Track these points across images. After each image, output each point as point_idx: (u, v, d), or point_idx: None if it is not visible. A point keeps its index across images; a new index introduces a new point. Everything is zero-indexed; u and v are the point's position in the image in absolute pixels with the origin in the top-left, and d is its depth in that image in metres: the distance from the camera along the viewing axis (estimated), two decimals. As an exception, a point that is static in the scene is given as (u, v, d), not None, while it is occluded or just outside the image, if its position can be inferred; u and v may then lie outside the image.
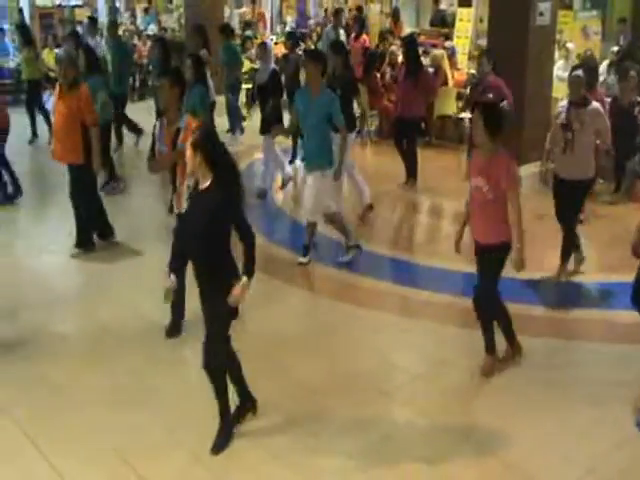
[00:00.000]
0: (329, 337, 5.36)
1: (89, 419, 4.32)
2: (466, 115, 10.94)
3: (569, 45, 11.15)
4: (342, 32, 12.21)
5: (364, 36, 12.25)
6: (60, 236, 7.24)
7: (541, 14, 9.01)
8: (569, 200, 6.03)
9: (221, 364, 3.92)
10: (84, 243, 6.82)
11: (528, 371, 4.85)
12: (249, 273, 3.78)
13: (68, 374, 4.81)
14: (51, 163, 7.20)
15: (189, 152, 3.73)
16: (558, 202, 6.12)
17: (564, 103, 6.12)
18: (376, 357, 5.08)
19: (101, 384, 4.69)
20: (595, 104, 5.99)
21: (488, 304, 4.66)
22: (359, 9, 16.14)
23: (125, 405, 4.45)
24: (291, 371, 4.84)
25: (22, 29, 11.60)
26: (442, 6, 16.28)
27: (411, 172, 8.90)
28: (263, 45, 9.60)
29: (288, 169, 8.94)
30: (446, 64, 11.48)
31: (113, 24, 11.38)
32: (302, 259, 6.60)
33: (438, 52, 11.68)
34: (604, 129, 6.03)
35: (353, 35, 12.00)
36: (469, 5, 15.02)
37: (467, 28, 13.71)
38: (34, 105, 10.88)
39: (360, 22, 12.46)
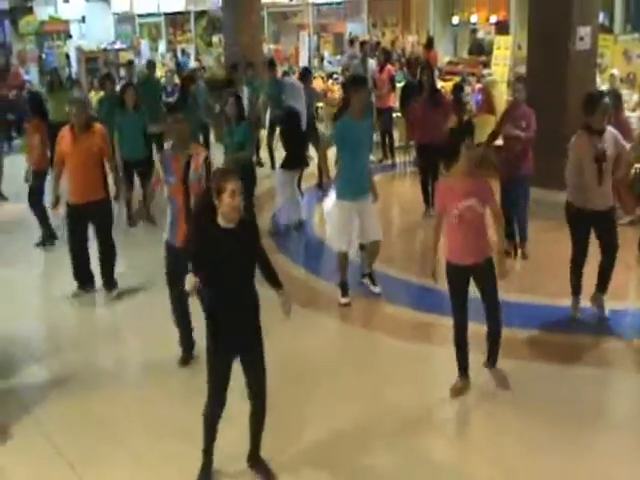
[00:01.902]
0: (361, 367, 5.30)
1: (131, 450, 4.37)
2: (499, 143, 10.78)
3: (614, 71, 10.92)
4: (373, 62, 12.23)
5: (389, 66, 12.30)
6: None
7: (581, 39, 8.83)
8: (604, 229, 5.77)
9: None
10: (114, 282, 6.82)
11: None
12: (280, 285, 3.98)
13: (110, 407, 4.90)
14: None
15: (233, 197, 3.61)
16: (586, 236, 5.82)
17: (582, 134, 5.72)
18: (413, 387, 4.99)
19: (141, 415, 4.76)
20: (609, 128, 5.75)
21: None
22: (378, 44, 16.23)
23: (165, 435, 4.49)
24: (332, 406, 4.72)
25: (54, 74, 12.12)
26: (479, 34, 16.20)
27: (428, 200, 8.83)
28: (291, 82, 9.74)
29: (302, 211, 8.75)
30: (494, 91, 11.33)
31: (150, 64, 11.78)
32: (346, 299, 6.39)
33: (488, 78, 11.55)
34: (625, 150, 5.84)
35: (377, 67, 12.04)
36: (507, 32, 14.90)
37: (505, 56, 13.57)
38: None
39: (385, 54, 12.51)
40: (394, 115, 12.01)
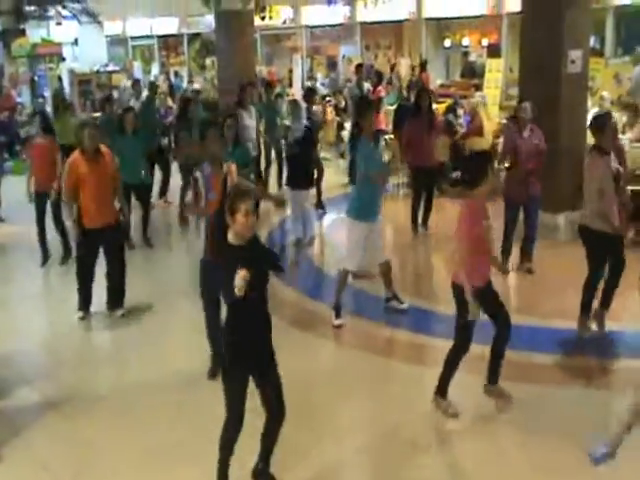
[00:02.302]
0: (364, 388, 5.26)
1: (125, 476, 4.32)
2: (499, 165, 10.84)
3: (604, 93, 11.03)
4: (368, 85, 12.33)
5: (379, 87, 12.46)
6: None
7: (572, 62, 8.91)
8: (618, 249, 5.82)
9: None
10: (121, 302, 6.81)
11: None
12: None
13: (104, 431, 4.84)
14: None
15: (247, 217, 3.65)
16: (605, 257, 5.84)
17: (596, 156, 5.75)
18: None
19: (135, 440, 4.69)
20: None
21: None
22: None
23: (159, 461, 4.43)
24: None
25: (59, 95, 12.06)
26: (471, 57, 16.39)
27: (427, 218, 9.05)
28: (294, 102, 9.74)
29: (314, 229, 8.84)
30: (483, 113, 11.41)
31: (153, 86, 11.87)
32: (339, 321, 6.36)
33: (475, 100, 11.65)
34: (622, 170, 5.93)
35: (371, 89, 12.19)
36: (498, 55, 15.08)
37: (497, 78, 13.70)
38: None
39: (378, 76, 12.67)
40: (386, 137, 12.07)
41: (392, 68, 17.60)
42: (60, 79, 20.87)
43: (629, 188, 8.10)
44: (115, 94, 19.35)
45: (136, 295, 7.06)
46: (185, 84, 20.30)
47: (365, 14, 16.55)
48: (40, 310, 7.38)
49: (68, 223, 6.98)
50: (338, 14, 17.88)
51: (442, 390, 4.87)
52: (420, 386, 5.36)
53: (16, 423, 4.91)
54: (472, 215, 4.67)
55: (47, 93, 19.91)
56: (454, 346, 4.84)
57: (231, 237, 3.74)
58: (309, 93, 11.06)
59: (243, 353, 3.83)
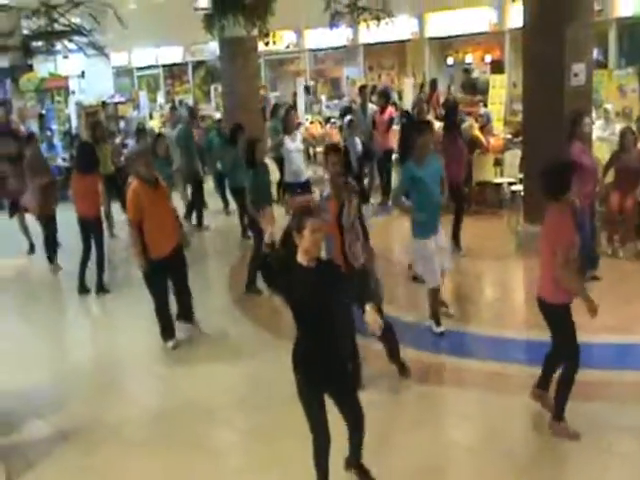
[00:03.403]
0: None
1: None
2: (504, 180, 10.84)
3: (607, 106, 11.02)
4: (372, 106, 12.33)
5: (390, 108, 12.47)
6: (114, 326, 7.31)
7: (576, 75, 8.90)
8: None
9: None
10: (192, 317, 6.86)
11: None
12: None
13: (118, 463, 4.81)
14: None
15: (314, 234, 3.76)
16: None
17: None
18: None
19: (150, 473, 4.65)
20: None
21: None
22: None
23: None
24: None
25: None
26: (475, 74, 16.42)
27: (457, 239, 8.86)
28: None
29: None
30: (477, 133, 11.36)
31: (191, 111, 12.00)
32: (440, 328, 6.48)
33: (466, 125, 11.61)
34: None
35: (378, 109, 12.18)
36: (502, 72, 15.13)
37: (501, 94, 13.73)
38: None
39: (385, 96, 12.67)
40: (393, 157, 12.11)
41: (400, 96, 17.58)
42: (68, 119, 21.16)
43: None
44: (122, 124, 19.59)
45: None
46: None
47: (368, 35, 16.62)
48: (51, 343, 7.36)
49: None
50: (341, 36, 17.99)
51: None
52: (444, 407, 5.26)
53: (29, 456, 4.89)
54: (561, 224, 4.52)
55: (55, 126, 20.13)
56: (566, 365, 4.64)
57: (300, 257, 3.81)
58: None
59: (313, 374, 3.86)
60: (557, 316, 4.56)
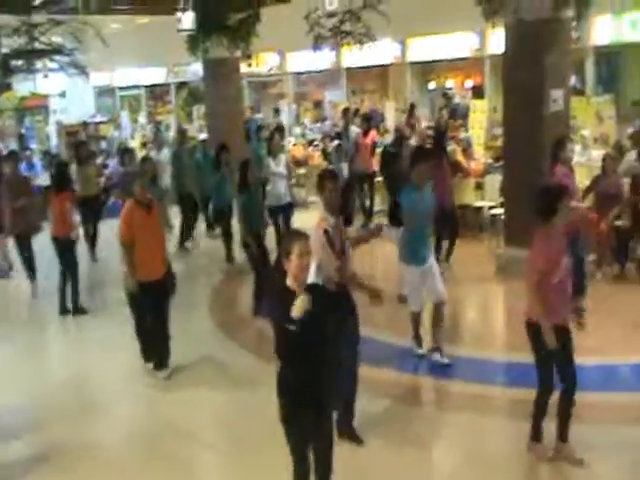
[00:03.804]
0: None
1: None
2: (485, 204, 10.95)
3: (585, 132, 11.22)
4: (355, 129, 12.42)
5: (372, 132, 12.60)
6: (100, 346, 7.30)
7: (555, 101, 9.09)
8: None
9: None
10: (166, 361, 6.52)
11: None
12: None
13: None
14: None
15: (301, 258, 3.67)
16: None
17: None
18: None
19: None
20: None
21: None
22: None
23: None
24: None
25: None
26: (456, 99, 16.61)
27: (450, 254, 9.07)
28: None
29: None
30: (460, 157, 11.47)
31: (181, 132, 12.23)
32: (421, 350, 6.51)
33: (449, 149, 11.72)
34: None
35: (361, 132, 12.30)
36: (482, 96, 15.32)
37: (481, 119, 13.90)
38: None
39: (368, 120, 12.81)
40: (375, 180, 12.21)
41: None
42: (48, 138, 21.07)
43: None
44: (103, 145, 19.53)
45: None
46: (172, 133, 20.46)
47: (350, 59, 16.79)
48: (29, 363, 7.27)
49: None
50: (324, 60, 18.14)
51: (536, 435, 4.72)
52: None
53: (6, 477, 4.83)
54: (542, 247, 4.56)
55: (34, 146, 20.00)
56: (539, 389, 4.66)
57: (289, 281, 3.72)
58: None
59: (302, 398, 3.75)
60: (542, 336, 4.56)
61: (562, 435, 4.66)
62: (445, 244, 9.17)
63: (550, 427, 4.68)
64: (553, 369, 4.58)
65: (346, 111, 13.24)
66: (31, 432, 5.54)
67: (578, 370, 4.58)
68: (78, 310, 8.39)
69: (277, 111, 19.22)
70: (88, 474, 4.88)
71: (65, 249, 8.22)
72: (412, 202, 6.34)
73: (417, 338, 6.55)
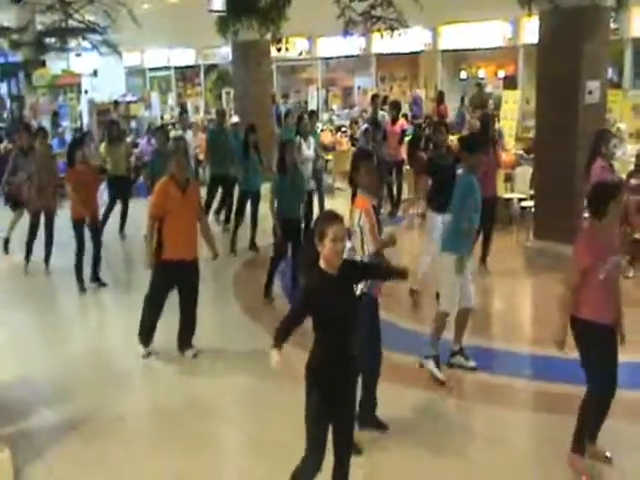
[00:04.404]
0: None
1: None
2: (514, 196, 10.83)
3: (621, 125, 11.05)
4: (384, 115, 12.34)
5: (402, 120, 12.49)
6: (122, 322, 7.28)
7: (590, 92, 8.96)
8: None
9: None
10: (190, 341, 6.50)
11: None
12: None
13: (124, 454, 4.83)
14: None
15: (335, 242, 3.56)
16: None
17: None
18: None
19: (156, 464, 4.67)
20: None
21: None
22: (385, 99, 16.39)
23: None
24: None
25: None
26: (487, 89, 16.44)
27: (485, 257, 8.60)
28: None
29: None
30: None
31: (220, 112, 12.05)
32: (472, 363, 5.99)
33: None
34: None
35: (389, 120, 12.21)
36: (515, 87, 15.16)
37: (513, 110, 13.76)
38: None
39: (397, 108, 12.67)
40: (404, 167, 12.17)
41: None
42: (80, 115, 21.27)
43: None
44: (133, 124, 19.66)
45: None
46: (202, 115, 20.54)
47: (381, 45, 16.69)
48: (55, 336, 7.36)
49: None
50: (354, 46, 18.05)
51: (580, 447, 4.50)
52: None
53: (36, 444, 4.92)
54: (590, 244, 4.39)
55: (66, 123, 20.20)
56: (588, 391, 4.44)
57: (322, 263, 3.63)
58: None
59: (330, 387, 3.62)
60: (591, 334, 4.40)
61: (591, 435, 4.53)
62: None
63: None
64: (606, 371, 4.36)
65: (375, 97, 13.17)
66: (59, 401, 5.62)
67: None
68: (97, 280, 8.47)
69: (297, 92, 19.10)
70: (112, 445, 4.93)
71: (75, 226, 8.25)
72: (471, 185, 5.84)
73: (433, 337, 6.01)
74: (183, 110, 18.70)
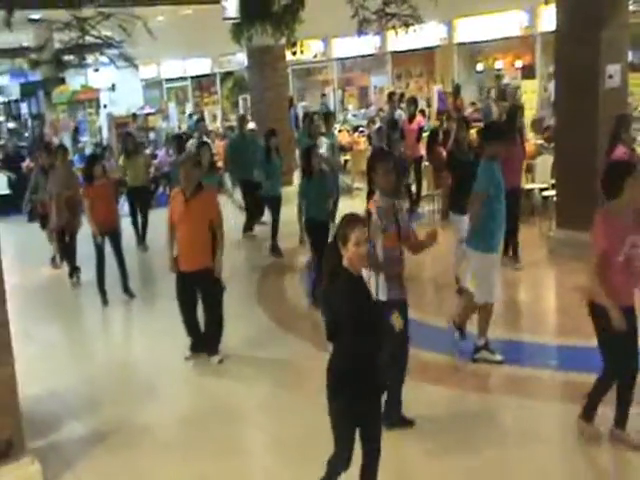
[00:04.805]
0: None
1: None
2: (536, 186, 10.70)
3: (642, 108, 10.85)
4: (401, 113, 12.25)
5: (418, 117, 12.37)
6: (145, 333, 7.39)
7: (611, 77, 8.78)
8: None
9: None
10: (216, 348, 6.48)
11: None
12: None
13: (152, 463, 4.84)
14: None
15: (359, 246, 3.54)
16: None
17: None
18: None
19: (183, 471, 4.68)
20: None
21: None
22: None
23: None
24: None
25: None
26: (505, 80, 16.25)
27: (515, 249, 8.53)
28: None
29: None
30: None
31: (242, 118, 12.18)
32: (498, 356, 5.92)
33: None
34: None
35: (406, 118, 12.12)
36: (533, 77, 14.98)
37: (532, 99, 13.59)
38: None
39: (414, 104, 12.56)
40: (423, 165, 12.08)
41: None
42: (100, 130, 21.50)
43: None
44: (152, 135, 19.82)
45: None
46: (218, 123, 20.62)
47: (396, 43, 16.61)
48: (82, 347, 7.44)
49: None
50: (369, 45, 17.99)
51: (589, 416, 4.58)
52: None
53: (66, 457, 4.93)
54: (607, 227, 4.34)
55: (86, 138, 20.43)
56: (603, 371, 4.48)
57: (345, 262, 3.59)
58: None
59: (357, 387, 3.58)
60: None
61: (620, 421, 4.50)
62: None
63: (606, 412, 4.53)
64: (620, 352, 4.34)
65: (391, 95, 13.10)
66: (88, 413, 5.65)
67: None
68: (127, 291, 8.50)
69: (324, 96, 19.14)
70: (140, 455, 4.93)
71: (94, 240, 8.23)
72: (493, 174, 5.75)
73: (463, 329, 6.13)
74: (201, 118, 18.79)
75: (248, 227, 11.15)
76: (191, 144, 12.12)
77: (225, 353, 6.46)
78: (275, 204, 9.98)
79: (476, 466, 4.47)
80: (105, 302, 8.36)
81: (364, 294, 3.64)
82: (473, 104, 15.41)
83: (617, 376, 4.46)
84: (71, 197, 9.23)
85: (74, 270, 9.23)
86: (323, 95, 19.23)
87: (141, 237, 11.11)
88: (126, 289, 8.51)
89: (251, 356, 6.57)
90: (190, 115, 22.79)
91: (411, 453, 4.71)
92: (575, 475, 4.42)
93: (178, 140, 11.48)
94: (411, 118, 12.13)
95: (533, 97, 13.73)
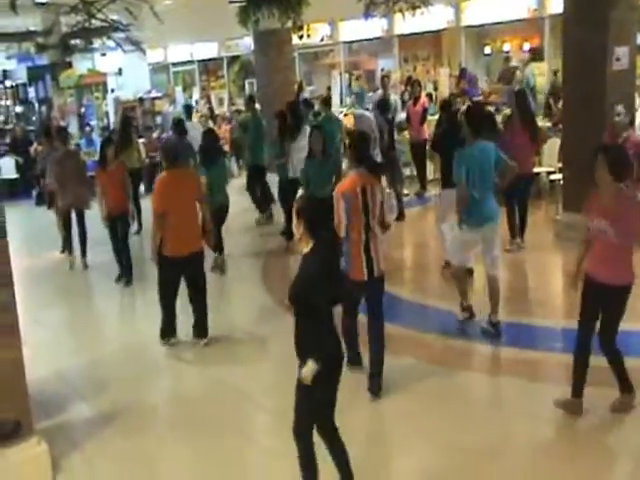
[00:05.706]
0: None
1: None
2: (543, 170, 10.64)
3: (650, 91, 10.71)
4: (396, 99, 12.22)
5: (423, 99, 12.27)
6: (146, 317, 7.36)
7: (618, 59, 8.72)
8: None
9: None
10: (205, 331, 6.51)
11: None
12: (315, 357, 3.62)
13: (159, 442, 4.91)
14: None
15: (294, 219, 3.77)
16: None
17: None
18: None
19: (189, 455, 4.71)
20: None
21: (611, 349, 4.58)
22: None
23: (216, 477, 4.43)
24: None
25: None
26: (513, 62, 16.08)
27: (523, 230, 8.67)
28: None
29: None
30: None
31: (251, 98, 12.20)
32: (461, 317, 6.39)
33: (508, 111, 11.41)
34: None
35: (412, 100, 12.04)
36: (541, 59, 14.85)
37: (541, 82, 13.48)
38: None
39: (418, 86, 12.45)
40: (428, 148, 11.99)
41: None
42: (107, 114, 21.49)
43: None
44: (158, 119, 19.79)
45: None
46: (225, 107, 20.52)
47: (403, 26, 16.48)
48: (89, 331, 7.47)
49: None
50: (376, 28, 17.87)
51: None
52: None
53: (74, 438, 5.00)
54: (589, 205, 4.59)
55: (94, 122, 20.44)
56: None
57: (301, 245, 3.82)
58: (381, 104, 10.70)
59: (340, 364, 3.82)
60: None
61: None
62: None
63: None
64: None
65: (385, 78, 12.99)
66: (94, 394, 5.71)
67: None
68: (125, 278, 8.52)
69: (329, 90, 19.02)
70: (147, 435, 4.99)
71: (106, 224, 8.32)
72: (464, 158, 5.99)
73: (462, 301, 6.30)
74: (208, 102, 18.70)
75: (262, 211, 11.09)
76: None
77: (229, 333, 6.53)
78: (296, 187, 9.88)
79: (477, 445, 4.50)
80: (129, 279, 8.38)
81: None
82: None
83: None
84: (73, 177, 9.11)
85: (83, 255, 9.28)
86: (329, 88, 19.09)
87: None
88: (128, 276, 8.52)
89: (254, 336, 6.62)
90: (196, 102, 22.68)
91: (404, 431, 4.75)
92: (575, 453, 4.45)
93: (176, 124, 11.39)
94: (415, 100, 12.04)
95: (542, 79, 13.60)
